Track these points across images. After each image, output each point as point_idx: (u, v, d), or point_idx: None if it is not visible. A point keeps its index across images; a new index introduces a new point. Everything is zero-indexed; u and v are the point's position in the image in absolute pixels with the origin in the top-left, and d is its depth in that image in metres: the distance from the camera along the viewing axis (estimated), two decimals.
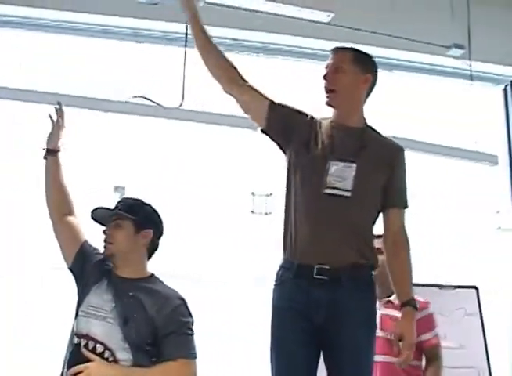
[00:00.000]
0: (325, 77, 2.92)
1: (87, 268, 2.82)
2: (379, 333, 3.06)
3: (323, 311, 2.71)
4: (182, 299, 2.73)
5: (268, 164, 5.01)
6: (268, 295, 3.09)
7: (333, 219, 2.74)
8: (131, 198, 2.91)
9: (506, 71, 5.76)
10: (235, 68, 2.95)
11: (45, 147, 3.01)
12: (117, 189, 4.84)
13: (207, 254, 4.94)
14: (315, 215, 2.76)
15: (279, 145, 2.95)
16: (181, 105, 4.59)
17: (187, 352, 2.67)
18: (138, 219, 2.78)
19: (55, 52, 4.97)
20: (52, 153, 2.99)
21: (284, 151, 2.95)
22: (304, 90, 4.61)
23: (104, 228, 2.82)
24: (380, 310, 3.28)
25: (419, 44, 5.15)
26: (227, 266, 5.00)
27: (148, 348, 2.63)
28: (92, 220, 2.85)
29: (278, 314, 2.82)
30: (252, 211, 5.07)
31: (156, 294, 2.70)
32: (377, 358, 3.12)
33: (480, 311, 4.48)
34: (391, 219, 2.91)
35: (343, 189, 2.76)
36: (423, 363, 3.47)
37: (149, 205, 2.89)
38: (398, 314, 3.11)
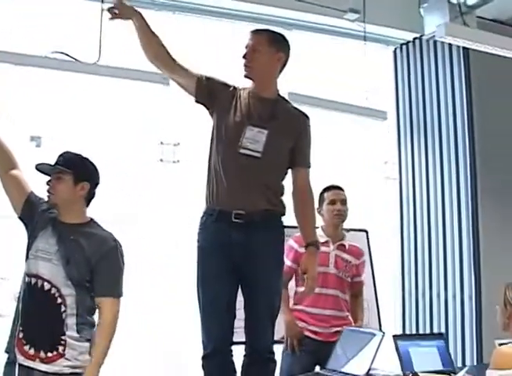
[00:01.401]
0: (244, 56, 3.36)
1: (34, 216, 3.09)
2: (332, 270, 3.73)
3: (242, 250, 3.19)
4: (116, 241, 3.09)
5: (177, 116, 5.35)
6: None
7: (246, 174, 3.21)
8: (71, 152, 3.16)
9: (396, 34, 6.20)
10: (169, 54, 3.33)
11: None
12: (33, 138, 5.00)
13: (124, 200, 5.15)
14: (232, 170, 3.23)
15: (208, 110, 3.39)
16: (98, 60, 4.78)
17: (115, 291, 3.06)
18: (76, 173, 3.07)
19: None
20: None
21: (211, 115, 3.38)
22: None
23: (48, 179, 3.09)
24: (334, 251, 3.92)
25: (318, 7, 5.56)
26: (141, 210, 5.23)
27: (87, 285, 2.99)
28: (38, 172, 3.10)
29: (203, 254, 3.27)
30: (161, 160, 5.37)
31: (93, 237, 3.05)
32: (329, 291, 3.97)
33: (369, 251, 4.97)
34: (298, 177, 3.42)
35: (254, 151, 3.24)
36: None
37: (87, 159, 3.17)
38: (348, 257, 4.07)
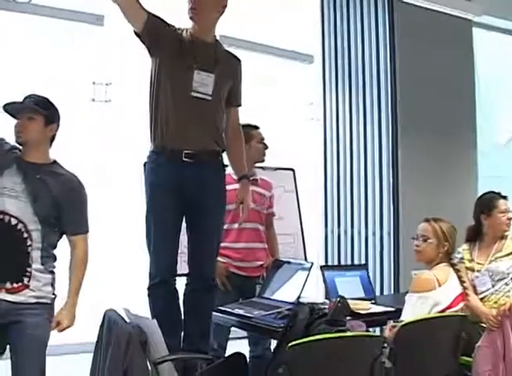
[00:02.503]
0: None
1: None
2: (252, 205, 3.96)
3: (192, 186, 3.41)
4: (80, 182, 3.25)
5: (108, 56, 5.40)
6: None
7: (197, 116, 3.41)
8: (38, 95, 3.23)
9: None
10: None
11: None
12: None
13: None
14: (184, 112, 3.40)
15: (148, 50, 3.48)
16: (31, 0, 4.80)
17: (85, 228, 3.27)
18: (48, 115, 3.18)
19: None
20: None
21: (151, 55, 3.48)
22: None
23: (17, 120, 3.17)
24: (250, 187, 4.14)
25: None
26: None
27: (53, 221, 3.15)
28: (5, 112, 3.17)
29: (155, 190, 3.45)
30: (93, 99, 5.41)
31: (59, 177, 3.18)
32: (250, 225, 4.18)
33: (296, 189, 5.19)
34: (231, 116, 3.66)
35: (205, 94, 3.42)
36: None
37: (53, 103, 3.27)
38: (261, 190, 4.29)
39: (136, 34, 3.44)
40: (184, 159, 3.40)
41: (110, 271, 5.13)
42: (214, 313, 3.68)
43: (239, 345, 4.22)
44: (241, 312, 3.66)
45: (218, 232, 3.63)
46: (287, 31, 6.14)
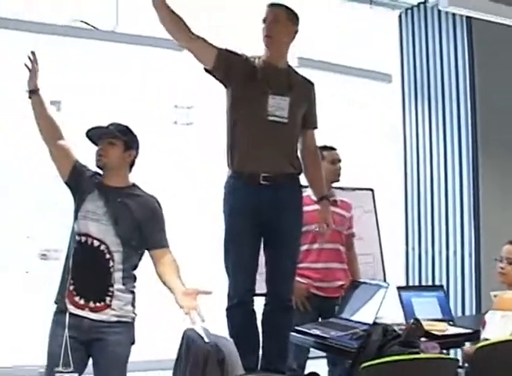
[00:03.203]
0: (266, 28, 3.61)
1: (81, 181, 3.34)
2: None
3: (270, 209, 3.48)
4: (159, 202, 3.39)
5: (190, 80, 5.53)
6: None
7: (274, 139, 3.50)
8: (118, 123, 3.40)
9: None
10: (186, 26, 3.51)
11: (28, 89, 3.41)
12: (53, 103, 5.20)
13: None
14: (261, 136, 3.49)
15: (222, 82, 3.61)
16: (115, 28, 4.99)
17: (167, 242, 3.39)
18: (127, 140, 3.35)
19: None
20: (34, 92, 3.40)
21: (226, 86, 3.60)
22: None
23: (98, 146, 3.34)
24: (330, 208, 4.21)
25: None
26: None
27: (134, 243, 3.29)
28: (87, 138, 3.36)
29: (233, 214, 3.54)
30: (175, 122, 5.56)
31: (139, 199, 3.34)
32: (330, 245, 4.25)
33: (375, 209, 5.20)
34: (308, 138, 3.74)
35: (281, 117, 3.52)
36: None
37: (133, 131, 3.43)
38: (341, 211, 4.37)
39: (207, 70, 3.58)
40: (261, 182, 3.48)
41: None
42: (293, 334, 3.72)
43: (318, 364, 4.25)
44: (318, 332, 3.68)
45: (296, 253, 3.69)
46: (365, 51, 6.16)
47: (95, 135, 3.34)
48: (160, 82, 5.47)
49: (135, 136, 3.42)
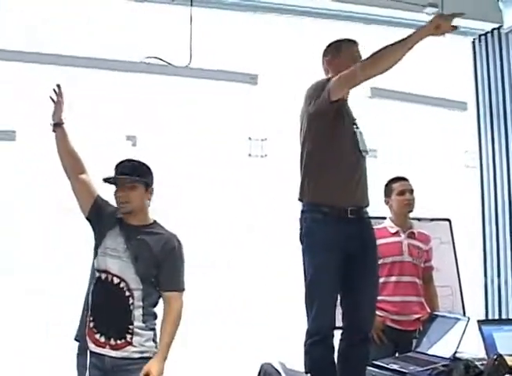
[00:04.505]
0: None
1: (102, 217, 3.32)
2: (407, 258, 3.99)
3: (356, 243, 3.44)
4: (179, 241, 3.34)
5: (264, 112, 5.59)
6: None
7: (359, 172, 3.51)
8: (133, 160, 3.36)
9: (474, 25, 6.20)
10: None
11: (52, 122, 3.40)
12: (128, 138, 5.32)
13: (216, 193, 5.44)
14: (349, 169, 3.49)
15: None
16: (189, 63, 5.08)
17: (180, 286, 3.32)
18: (146, 180, 3.31)
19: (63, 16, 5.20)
20: (58, 125, 3.39)
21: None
22: None
23: (116, 189, 3.28)
24: (406, 240, 4.14)
25: (397, 2, 5.71)
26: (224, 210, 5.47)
27: (153, 280, 3.25)
28: (105, 182, 3.30)
29: (321, 247, 3.45)
30: (249, 154, 5.62)
31: (159, 236, 3.29)
32: (407, 278, 4.23)
33: (452, 239, 5.07)
34: None
35: (364, 151, 3.53)
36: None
37: (145, 164, 3.38)
38: (419, 244, 4.31)
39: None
40: (349, 216, 3.45)
41: (268, 325, 5.23)
42: (370, 368, 3.66)
43: None
44: (396, 367, 3.62)
45: (377, 288, 3.65)
46: (438, 79, 6.10)
47: (118, 182, 3.30)
48: (234, 115, 5.54)
49: (150, 169, 3.38)
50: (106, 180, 3.30)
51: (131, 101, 5.26)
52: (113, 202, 3.35)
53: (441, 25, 3.16)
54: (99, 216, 3.33)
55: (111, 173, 3.30)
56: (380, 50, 3.26)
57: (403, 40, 3.22)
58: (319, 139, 3.51)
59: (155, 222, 3.37)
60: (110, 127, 5.23)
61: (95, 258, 3.30)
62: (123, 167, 3.31)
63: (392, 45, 3.24)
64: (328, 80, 3.49)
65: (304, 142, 3.58)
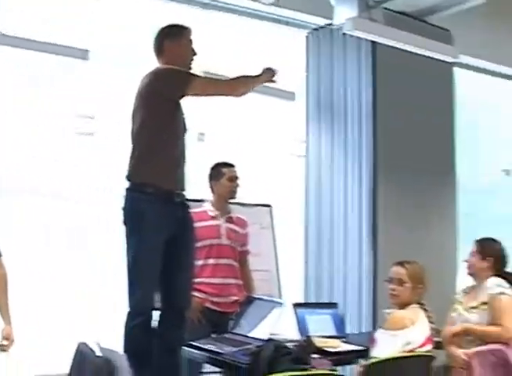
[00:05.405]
0: None
1: None
2: (225, 241, 4.02)
3: (180, 225, 3.56)
4: None
5: (94, 89, 5.44)
6: None
7: (184, 157, 3.62)
8: None
9: (309, 19, 6.36)
10: None
11: None
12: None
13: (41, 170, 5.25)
14: (177, 154, 3.60)
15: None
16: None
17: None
18: None
19: None
20: None
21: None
22: None
23: None
24: (225, 224, 4.21)
25: None
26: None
27: None
28: None
29: (147, 227, 3.49)
30: (77, 132, 5.38)
31: None
32: (225, 261, 4.35)
33: (272, 225, 5.24)
34: None
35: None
36: None
37: None
38: (237, 228, 4.40)
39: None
40: (176, 199, 3.55)
41: (85, 304, 5.14)
42: (187, 349, 3.70)
43: None
44: (212, 347, 3.68)
45: (194, 267, 3.74)
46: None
47: None
48: (63, 91, 5.37)
49: None
50: None
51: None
52: None
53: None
54: None
55: None
56: (243, 77, 3.69)
57: (253, 77, 3.69)
58: (151, 120, 3.52)
59: None
60: None
61: None
62: None
63: (247, 77, 3.69)
64: (175, 70, 3.58)
65: (135, 121, 3.57)
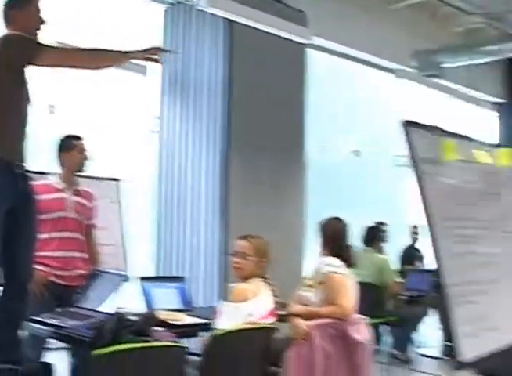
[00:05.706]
0: None
1: None
2: (71, 214, 3.96)
3: (22, 196, 3.43)
4: None
5: None
6: None
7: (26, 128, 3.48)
8: None
9: None
10: None
11: None
12: None
13: None
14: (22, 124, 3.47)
15: None
16: None
17: None
18: None
19: None
20: None
21: None
22: None
23: None
24: (72, 197, 4.11)
25: None
26: None
27: None
28: None
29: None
30: None
31: None
32: (70, 234, 4.21)
33: (119, 199, 5.23)
34: None
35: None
36: None
37: None
38: (83, 201, 4.31)
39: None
40: (16, 170, 3.41)
41: None
42: (30, 324, 3.63)
43: (61, 356, 4.17)
44: (55, 322, 3.62)
45: (36, 240, 3.63)
46: (127, 42, 6.12)
47: None
48: None
49: None
50: None
51: None
52: None
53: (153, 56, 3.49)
54: None
55: None
56: (104, 51, 3.50)
57: (119, 53, 3.48)
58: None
59: None
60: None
61: None
62: None
63: (110, 52, 3.48)
64: (22, 37, 3.44)
65: None
